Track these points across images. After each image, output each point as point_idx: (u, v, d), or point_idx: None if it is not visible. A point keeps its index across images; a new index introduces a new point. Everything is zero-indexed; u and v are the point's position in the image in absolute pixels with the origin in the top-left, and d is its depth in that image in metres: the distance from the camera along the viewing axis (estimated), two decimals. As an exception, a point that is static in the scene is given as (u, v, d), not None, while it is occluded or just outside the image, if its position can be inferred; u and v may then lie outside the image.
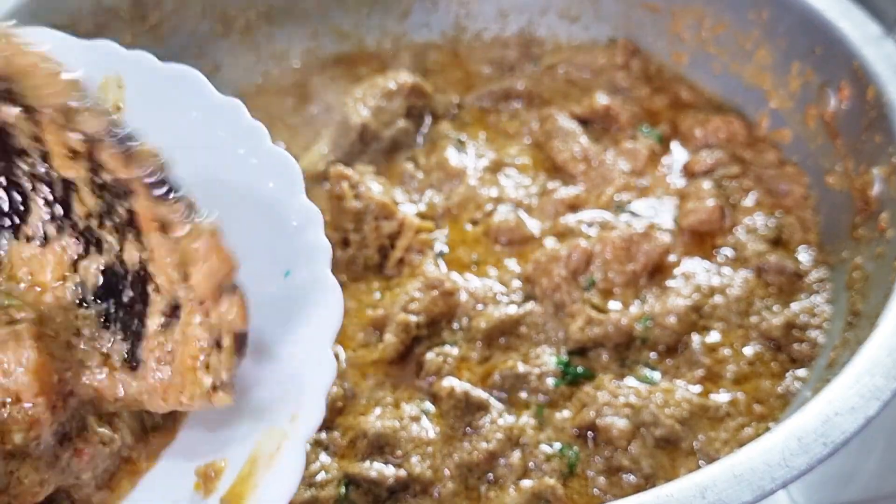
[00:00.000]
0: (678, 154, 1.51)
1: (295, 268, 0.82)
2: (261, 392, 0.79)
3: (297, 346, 0.80)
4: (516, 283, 1.29)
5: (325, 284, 0.81)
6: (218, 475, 0.77)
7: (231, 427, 0.80)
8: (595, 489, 1.07)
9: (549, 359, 1.19)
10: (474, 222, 1.38)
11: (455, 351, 1.20)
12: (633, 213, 1.38)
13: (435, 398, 1.15)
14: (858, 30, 1.35)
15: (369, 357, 1.21)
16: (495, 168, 1.47)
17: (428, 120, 1.56)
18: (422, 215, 1.39)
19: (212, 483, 0.77)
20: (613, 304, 1.25)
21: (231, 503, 0.75)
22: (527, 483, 1.05)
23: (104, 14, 1.51)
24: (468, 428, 1.12)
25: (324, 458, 1.10)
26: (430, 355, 1.19)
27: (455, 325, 1.24)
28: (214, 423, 0.81)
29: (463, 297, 1.25)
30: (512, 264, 1.32)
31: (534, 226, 1.37)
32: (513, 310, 1.23)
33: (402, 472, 1.06)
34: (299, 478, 0.73)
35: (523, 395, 1.16)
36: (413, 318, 1.20)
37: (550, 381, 1.16)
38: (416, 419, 1.13)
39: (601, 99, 1.54)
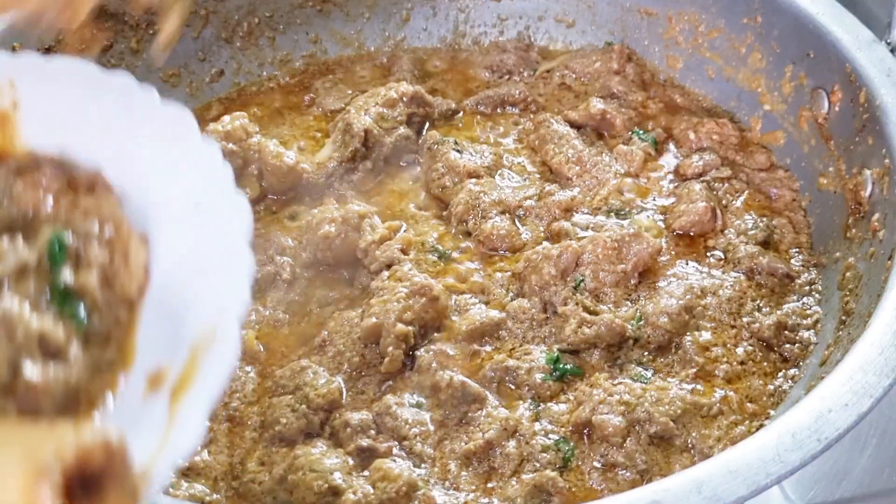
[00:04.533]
0: (671, 157, 1.52)
1: (204, 197, 0.90)
2: (185, 293, 0.86)
3: (215, 247, 0.86)
4: (506, 281, 1.29)
5: (231, 199, 0.87)
6: (165, 376, 0.81)
7: (168, 334, 0.85)
8: (590, 484, 1.08)
9: (539, 355, 1.19)
10: (467, 233, 1.37)
11: (444, 348, 1.20)
12: (625, 215, 1.39)
13: (432, 389, 1.15)
14: (851, 34, 1.36)
15: (372, 369, 1.20)
16: (492, 172, 1.47)
17: (428, 126, 1.57)
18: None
19: (160, 383, 0.82)
20: (604, 304, 1.25)
21: (180, 387, 0.79)
22: (527, 476, 1.06)
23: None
24: (463, 419, 1.12)
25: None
26: (420, 352, 1.19)
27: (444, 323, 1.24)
28: (154, 337, 0.87)
29: (450, 301, 1.26)
30: (502, 268, 1.32)
31: (526, 234, 1.38)
32: (494, 313, 1.24)
33: (405, 449, 1.08)
34: (237, 350, 0.78)
35: (513, 389, 1.16)
36: (410, 328, 1.19)
37: (539, 377, 1.17)
38: (401, 405, 1.13)
39: (596, 104, 1.55)
